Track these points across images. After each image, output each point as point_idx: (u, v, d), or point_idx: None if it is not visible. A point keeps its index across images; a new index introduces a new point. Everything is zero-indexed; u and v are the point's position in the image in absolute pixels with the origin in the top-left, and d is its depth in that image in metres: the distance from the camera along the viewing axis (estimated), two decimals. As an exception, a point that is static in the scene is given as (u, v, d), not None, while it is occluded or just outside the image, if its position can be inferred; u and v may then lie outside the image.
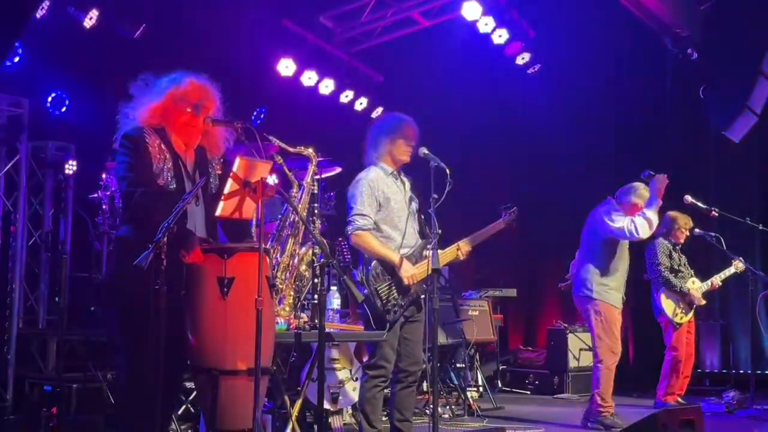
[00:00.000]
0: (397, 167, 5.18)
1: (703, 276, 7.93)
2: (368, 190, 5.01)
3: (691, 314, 7.79)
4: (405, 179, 5.24)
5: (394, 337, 4.99)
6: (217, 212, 3.93)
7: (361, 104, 10.28)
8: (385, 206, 5.03)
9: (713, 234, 7.90)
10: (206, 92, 4.14)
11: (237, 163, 3.83)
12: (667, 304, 7.69)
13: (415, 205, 5.20)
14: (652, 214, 6.61)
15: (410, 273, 4.93)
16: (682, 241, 7.89)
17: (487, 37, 9.22)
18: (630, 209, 6.78)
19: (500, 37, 9.27)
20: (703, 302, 7.88)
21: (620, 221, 6.64)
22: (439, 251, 4.97)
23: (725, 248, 7.85)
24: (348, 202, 5.12)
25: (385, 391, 5.10)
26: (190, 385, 5.45)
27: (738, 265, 7.88)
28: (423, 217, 5.21)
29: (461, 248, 5.20)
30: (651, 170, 6.75)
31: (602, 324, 6.73)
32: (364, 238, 4.98)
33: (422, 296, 5.05)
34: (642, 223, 6.56)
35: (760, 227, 7.81)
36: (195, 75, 4.16)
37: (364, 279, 4.99)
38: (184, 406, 5.94)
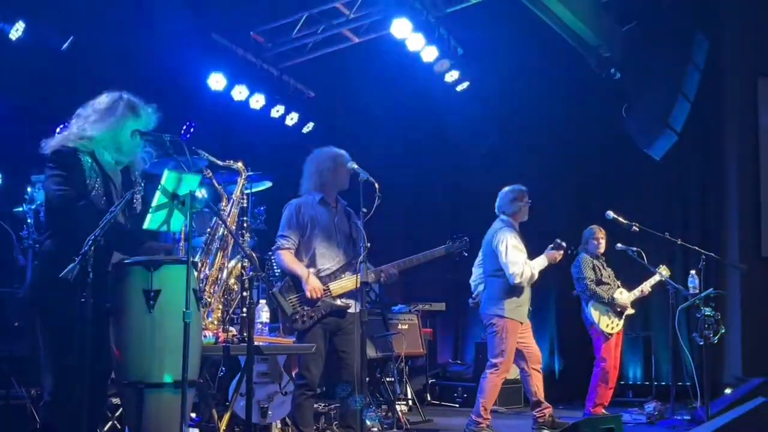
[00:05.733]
0: (330, 193, 5.49)
1: (630, 288, 8.08)
2: (294, 213, 5.42)
3: (621, 323, 7.89)
4: (339, 205, 5.54)
5: (318, 350, 5.19)
6: (145, 225, 3.93)
7: (292, 119, 10.25)
8: (311, 229, 5.37)
9: (635, 249, 8.04)
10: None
11: (165, 176, 3.84)
12: (598, 315, 7.74)
13: (349, 228, 5.49)
14: (537, 271, 6.94)
15: (312, 286, 5.20)
16: (602, 250, 8.02)
17: (416, 54, 9.30)
18: (517, 216, 7.17)
19: (429, 54, 9.35)
20: (632, 310, 7.99)
21: (517, 267, 6.83)
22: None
23: (646, 263, 8.03)
24: None
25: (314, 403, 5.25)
26: (116, 400, 5.39)
27: (662, 271, 8.07)
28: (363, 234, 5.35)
29: (384, 272, 5.47)
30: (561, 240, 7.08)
31: (509, 340, 6.97)
32: (281, 256, 5.40)
33: (349, 309, 5.31)
34: (529, 277, 6.87)
35: (679, 242, 8.03)
36: (147, 104, 4.21)
37: (279, 292, 5.31)
38: (110, 422, 5.87)
